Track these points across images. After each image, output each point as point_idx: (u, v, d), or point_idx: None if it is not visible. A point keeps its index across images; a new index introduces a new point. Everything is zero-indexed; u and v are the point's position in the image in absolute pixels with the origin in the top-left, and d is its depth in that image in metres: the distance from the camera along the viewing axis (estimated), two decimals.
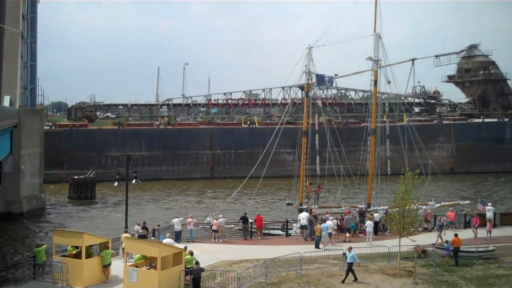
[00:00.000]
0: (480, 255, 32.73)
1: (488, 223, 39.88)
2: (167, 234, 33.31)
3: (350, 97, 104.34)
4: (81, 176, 67.22)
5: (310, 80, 46.16)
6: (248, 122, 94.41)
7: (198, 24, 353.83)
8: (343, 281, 27.60)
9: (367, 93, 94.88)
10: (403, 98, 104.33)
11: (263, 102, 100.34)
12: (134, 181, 35.71)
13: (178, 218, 37.26)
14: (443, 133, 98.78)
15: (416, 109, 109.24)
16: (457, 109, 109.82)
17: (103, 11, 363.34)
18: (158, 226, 36.96)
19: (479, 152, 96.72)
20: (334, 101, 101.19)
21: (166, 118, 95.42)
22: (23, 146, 57.19)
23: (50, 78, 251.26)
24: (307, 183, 45.26)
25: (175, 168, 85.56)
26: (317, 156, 45.93)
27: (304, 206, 43.45)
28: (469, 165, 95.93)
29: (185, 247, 28.49)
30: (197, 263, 26.10)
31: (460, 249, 32.20)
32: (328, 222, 36.84)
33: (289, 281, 27.72)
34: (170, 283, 24.95)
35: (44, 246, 28.35)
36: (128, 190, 34.91)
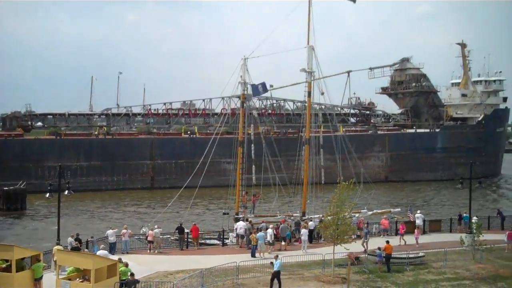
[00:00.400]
0: (411, 261, 33.72)
1: (416, 230, 41.08)
2: (101, 246, 32.78)
3: (286, 107, 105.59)
4: (11, 187, 65.31)
5: (245, 91, 46.53)
6: (188, 132, 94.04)
7: (134, 34, 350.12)
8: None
9: (304, 104, 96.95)
10: (339, 109, 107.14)
11: (203, 112, 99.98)
12: (66, 192, 34.85)
13: (112, 229, 36.73)
14: (378, 143, 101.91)
15: (352, 120, 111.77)
16: (390, 120, 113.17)
17: (34, 18, 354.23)
18: (92, 237, 36.36)
19: (412, 161, 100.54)
20: (273, 112, 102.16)
21: (105, 128, 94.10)
22: None
23: None
24: (244, 193, 45.53)
25: (114, 178, 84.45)
26: (253, 166, 46.33)
27: (241, 216, 43.71)
28: (403, 174, 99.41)
29: (120, 259, 28.11)
30: (132, 274, 25.77)
31: (392, 255, 33.11)
32: (269, 230, 37.44)
33: None
34: None
35: None
36: (60, 201, 34.03)
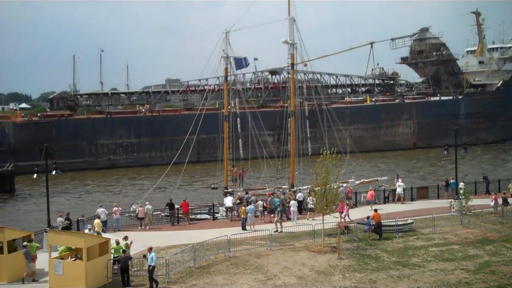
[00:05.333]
0: (400, 229, 34.13)
1: (346, 207, 37.55)
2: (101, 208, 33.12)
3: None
4: None
5: (228, 65, 46.35)
6: (229, 107, 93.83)
7: (117, 9, 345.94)
8: None
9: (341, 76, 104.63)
10: (364, 79, 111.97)
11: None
12: (54, 172, 34.60)
13: (102, 207, 36.76)
14: (405, 111, 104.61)
15: (376, 90, 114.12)
16: (413, 89, 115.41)
17: None
18: (82, 216, 36.39)
19: (438, 128, 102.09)
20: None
21: (148, 106, 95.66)
22: None
23: None
24: (231, 167, 45.70)
25: (163, 153, 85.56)
26: (240, 140, 46.43)
27: (230, 190, 43.94)
28: (429, 140, 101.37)
29: (127, 237, 28.22)
30: (124, 251, 25.95)
31: (382, 223, 33.47)
32: (277, 198, 38.45)
33: (218, 264, 28.04)
34: (98, 273, 24.70)
35: None
36: (48, 181, 33.70)
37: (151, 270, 24.76)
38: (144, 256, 26.26)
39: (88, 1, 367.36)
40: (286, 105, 47.41)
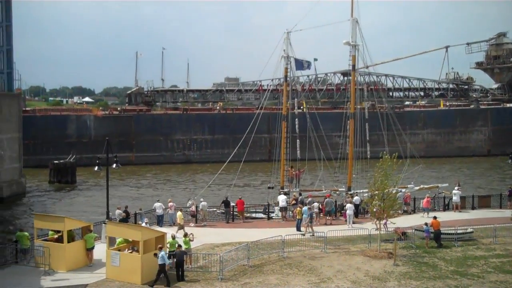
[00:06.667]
0: (459, 237, 33.20)
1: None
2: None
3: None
4: (61, 161, 67.12)
5: (289, 65, 46.18)
6: (302, 107, 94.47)
7: (181, 8, 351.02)
8: (152, 285, 24.38)
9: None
10: (437, 84, 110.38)
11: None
12: (114, 165, 35.22)
13: (159, 202, 37.22)
14: (480, 117, 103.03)
15: (450, 94, 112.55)
16: (488, 94, 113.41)
17: None
18: (140, 209, 36.95)
19: None
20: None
21: (221, 104, 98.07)
22: (1, 131, 56.47)
23: (26, 62, 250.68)
24: (289, 167, 45.50)
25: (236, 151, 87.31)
26: (297, 140, 46.17)
27: (286, 190, 43.77)
28: (504, 148, 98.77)
29: (186, 234, 28.33)
30: (179, 246, 26.16)
31: (441, 231, 32.62)
32: (315, 204, 37.80)
33: (271, 264, 27.93)
34: (153, 266, 24.93)
35: (25, 233, 28.27)
36: (108, 174, 34.48)
37: (160, 270, 24.44)
38: (155, 255, 25.06)
39: (155, 1, 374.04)
40: (346, 107, 46.75)
